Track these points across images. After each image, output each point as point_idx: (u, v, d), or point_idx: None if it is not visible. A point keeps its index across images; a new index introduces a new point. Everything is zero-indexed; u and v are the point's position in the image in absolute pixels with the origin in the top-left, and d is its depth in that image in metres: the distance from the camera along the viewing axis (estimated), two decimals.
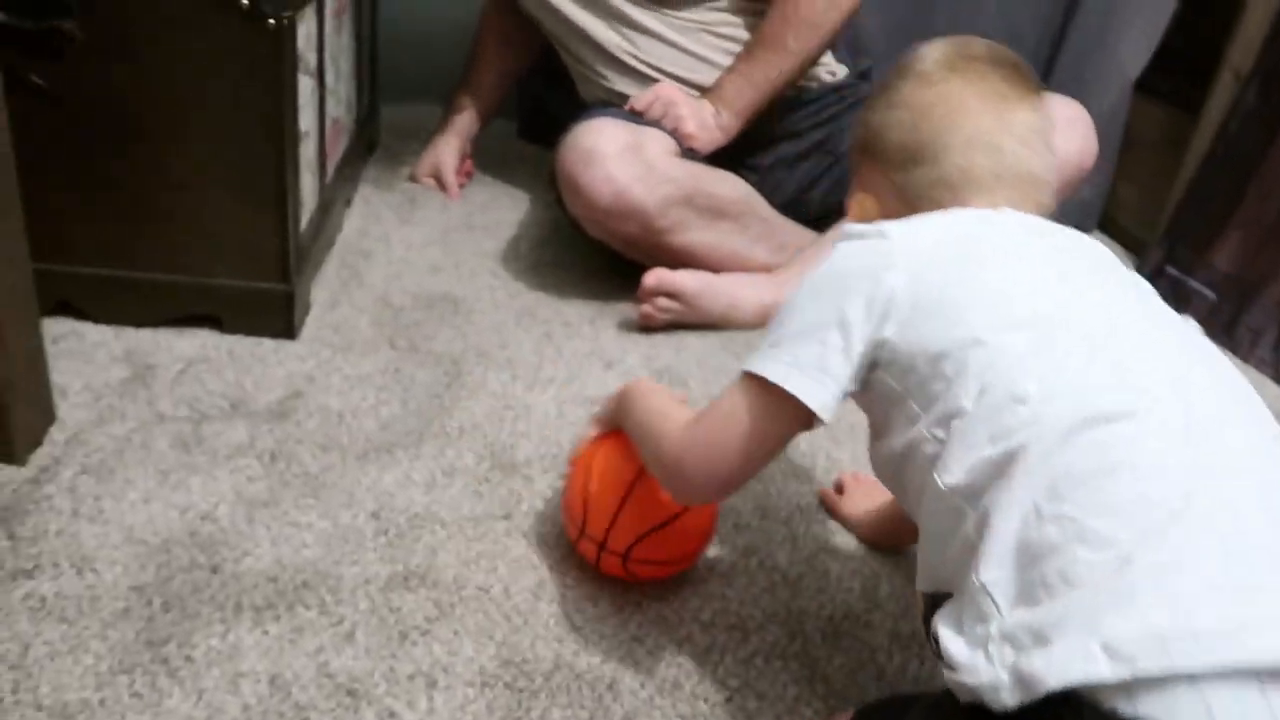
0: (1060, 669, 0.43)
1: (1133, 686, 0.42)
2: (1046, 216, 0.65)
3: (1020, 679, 0.45)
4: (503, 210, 1.52)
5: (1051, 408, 0.51)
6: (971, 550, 0.51)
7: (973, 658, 0.48)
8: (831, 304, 0.61)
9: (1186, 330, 0.59)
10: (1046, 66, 1.81)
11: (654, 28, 1.31)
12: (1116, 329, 0.56)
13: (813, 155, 1.37)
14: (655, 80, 1.31)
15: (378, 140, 1.70)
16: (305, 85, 1.10)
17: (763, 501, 0.93)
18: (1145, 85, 1.71)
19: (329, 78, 1.25)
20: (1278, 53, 1.42)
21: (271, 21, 0.97)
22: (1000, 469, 0.51)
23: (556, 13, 1.36)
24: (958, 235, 0.62)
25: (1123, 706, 0.42)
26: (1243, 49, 1.49)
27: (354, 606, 0.74)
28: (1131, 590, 0.44)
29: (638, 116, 1.24)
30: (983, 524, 0.51)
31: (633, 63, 1.32)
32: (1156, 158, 1.68)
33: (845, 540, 0.90)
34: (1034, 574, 0.47)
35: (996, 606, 0.48)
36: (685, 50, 1.32)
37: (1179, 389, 0.52)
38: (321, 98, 1.20)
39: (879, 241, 0.62)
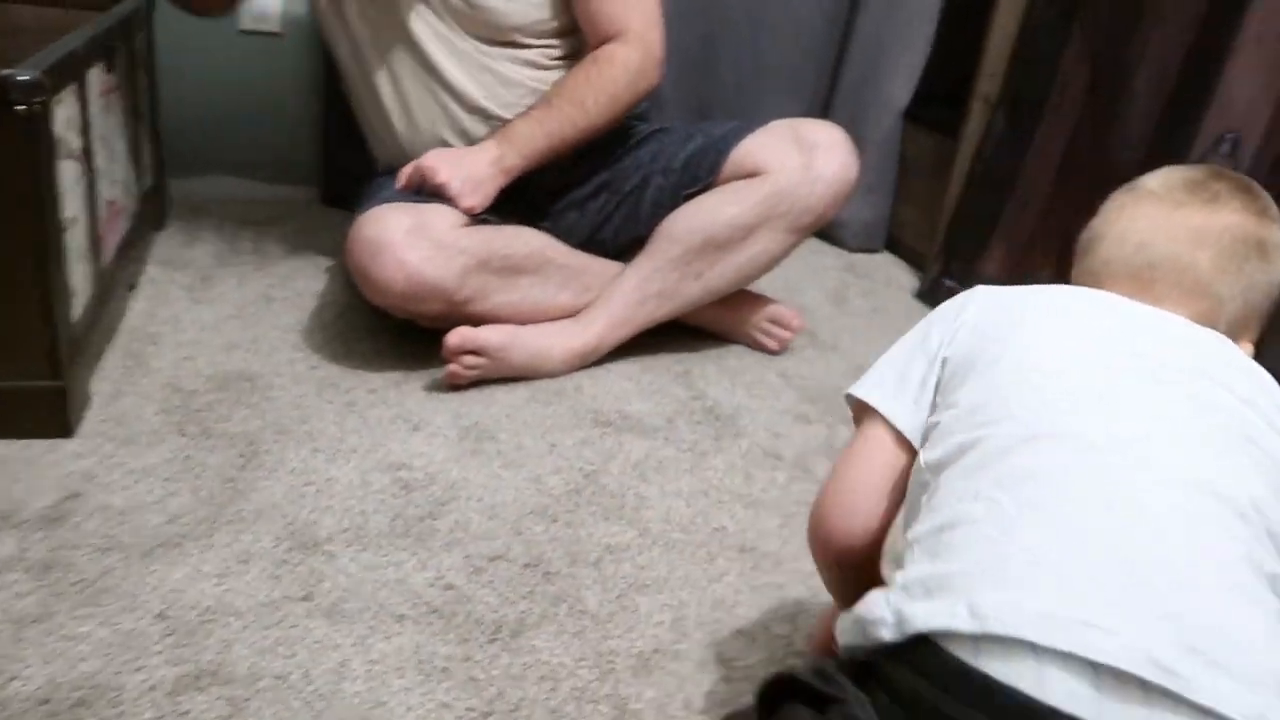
0: (927, 617, 0.51)
1: (980, 641, 0.49)
2: (1208, 315, 0.64)
3: (899, 620, 0.52)
4: (305, 280, 1.49)
5: (1021, 420, 0.57)
6: (917, 513, 0.59)
7: (876, 597, 0.55)
8: (919, 334, 0.68)
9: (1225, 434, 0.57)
10: (825, 102, 1.94)
11: (467, 51, 1.30)
12: (1115, 390, 0.58)
13: (601, 195, 1.41)
14: (455, 117, 1.32)
15: (167, 217, 1.64)
16: (69, 170, 1.05)
17: (572, 547, 0.95)
18: (913, 115, 1.85)
19: (99, 159, 1.20)
20: (1017, 81, 1.57)
21: (21, 108, 0.93)
22: (964, 450, 0.58)
23: (358, 46, 1.33)
24: (1033, 296, 0.67)
25: (968, 657, 0.49)
26: (989, 78, 1.63)
27: (138, 717, 0.70)
28: (1005, 571, 0.51)
29: (417, 196, 1.24)
30: (935, 492, 0.58)
31: (432, 100, 1.32)
32: (929, 180, 1.82)
33: (656, 574, 0.92)
34: (946, 537, 0.55)
35: (913, 558, 0.56)
36: (491, 81, 1.32)
37: (1143, 440, 0.55)
38: (91, 181, 1.15)
39: (966, 293, 0.69)
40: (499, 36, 1.29)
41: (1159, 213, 0.68)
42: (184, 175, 1.73)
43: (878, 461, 0.67)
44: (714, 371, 1.35)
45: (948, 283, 1.68)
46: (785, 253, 1.34)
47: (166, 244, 1.56)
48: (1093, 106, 1.44)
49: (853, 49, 1.87)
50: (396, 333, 1.31)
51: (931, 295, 1.70)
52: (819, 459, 1.15)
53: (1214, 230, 0.66)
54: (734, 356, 1.40)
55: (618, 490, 1.05)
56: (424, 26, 1.28)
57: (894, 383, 0.68)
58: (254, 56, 1.73)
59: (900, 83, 1.84)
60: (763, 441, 1.18)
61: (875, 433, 0.68)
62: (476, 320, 1.22)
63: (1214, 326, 0.64)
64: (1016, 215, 1.58)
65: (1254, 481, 0.54)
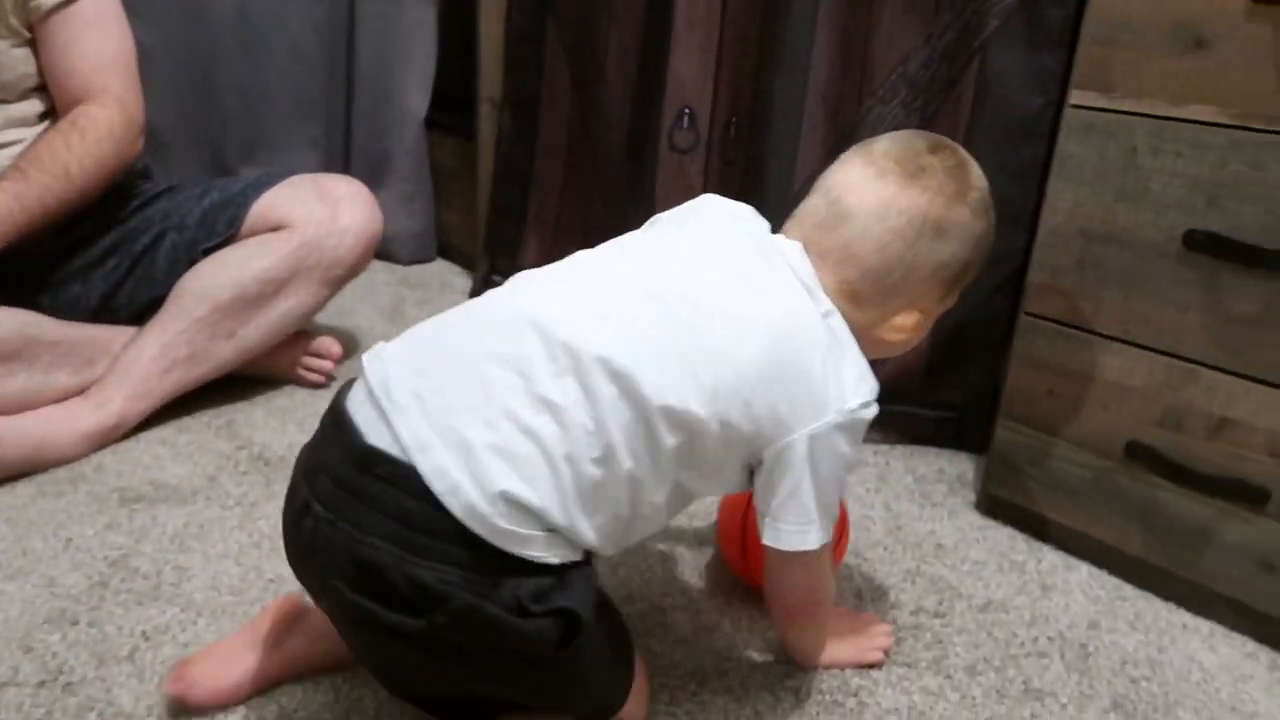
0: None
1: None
2: (859, 279, 0.73)
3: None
4: None
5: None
6: None
7: None
8: None
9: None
10: (345, 119, 1.91)
11: None
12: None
13: (108, 260, 1.27)
14: None
15: None
16: None
17: (99, 647, 0.84)
18: (434, 123, 1.88)
19: None
20: (512, 83, 1.65)
21: None
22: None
23: None
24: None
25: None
26: (489, 82, 1.70)
27: None
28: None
29: None
30: None
31: None
32: (461, 184, 1.87)
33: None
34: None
35: None
36: None
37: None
38: None
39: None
40: None
41: (864, 176, 0.73)
42: None
43: None
44: (261, 416, 1.28)
45: (496, 279, 1.74)
46: (319, 306, 1.31)
47: None
48: (578, 98, 1.56)
49: (359, 66, 1.86)
50: None
51: (483, 293, 1.75)
52: None
53: (899, 206, 0.71)
54: (284, 396, 1.34)
55: (152, 570, 0.95)
56: None
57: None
58: None
59: (415, 94, 1.86)
60: None
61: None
62: None
63: (865, 293, 0.72)
64: (540, 206, 1.67)
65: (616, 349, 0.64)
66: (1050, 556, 1.04)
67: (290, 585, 0.94)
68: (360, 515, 0.62)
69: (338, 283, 1.30)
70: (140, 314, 1.26)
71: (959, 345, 1.22)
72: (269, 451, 1.19)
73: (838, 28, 1.22)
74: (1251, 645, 0.92)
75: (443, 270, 1.92)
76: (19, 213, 1.11)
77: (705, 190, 1.40)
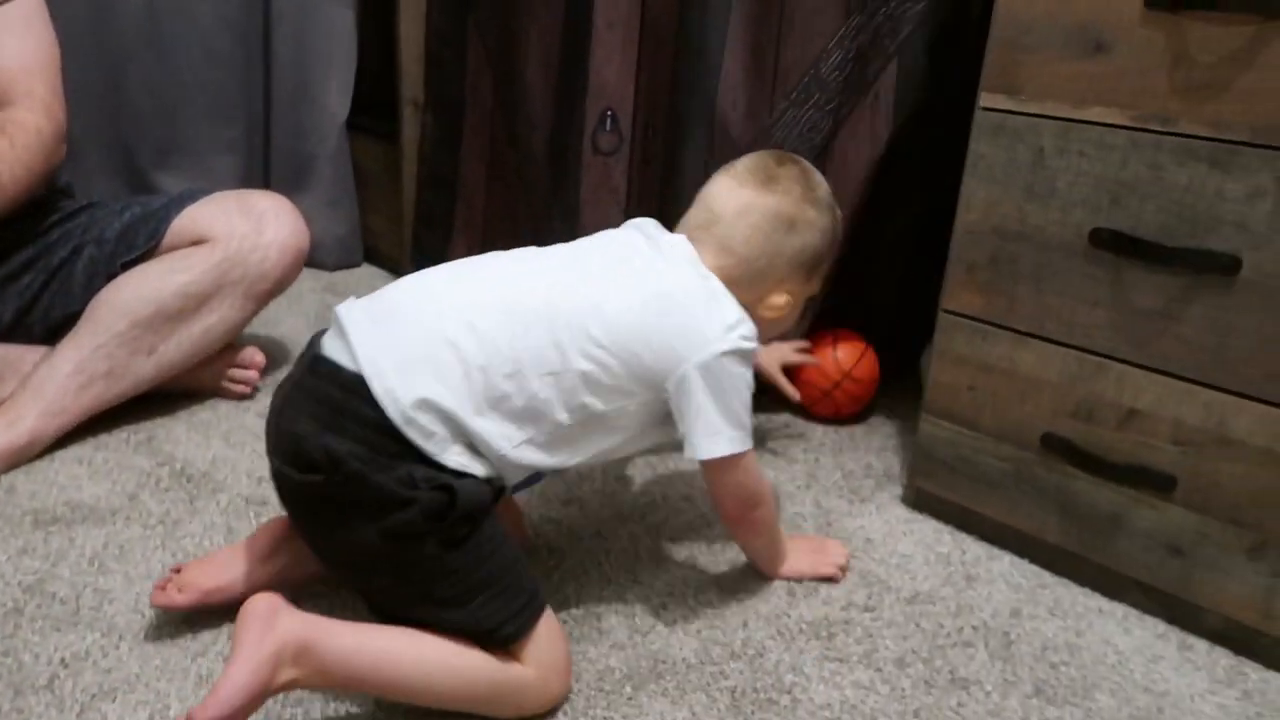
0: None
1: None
2: (735, 268, 0.88)
3: None
4: None
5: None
6: None
7: None
8: None
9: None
10: (264, 119, 1.87)
11: None
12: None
13: (24, 275, 1.23)
14: None
15: None
16: None
17: (15, 677, 0.81)
18: (356, 125, 1.85)
19: None
20: (434, 85, 1.63)
21: None
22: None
23: None
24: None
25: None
26: (410, 84, 1.68)
27: None
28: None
29: None
30: None
31: None
32: (385, 187, 1.84)
33: (127, 674, 0.83)
34: None
35: None
36: None
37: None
38: None
39: None
40: None
41: (728, 186, 0.90)
42: None
43: None
44: (183, 431, 1.25)
45: None
46: (245, 321, 1.28)
47: None
48: (500, 100, 1.55)
49: (276, 66, 1.81)
50: None
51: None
52: None
53: (757, 207, 0.88)
54: (207, 410, 1.30)
55: (70, 594, 0.92)
56: None
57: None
58: None
59: (335, 96, 1.83)
60: (245, 490, 1.12)
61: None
62: None
63: (740, 276, 0.87)
64: (465, 208, 1.66)
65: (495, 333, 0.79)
66: (974, 548, 1.07)
67: None
68: (302, 404, 0.78)
69: (263, 297, 1.28)
70: (55, 330, 1.22)
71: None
72: (191, 467, 1.16)
73: (749, 30, 1.23)
74: (1162, 626, 0.95)
75: (370, 276, 1.89)
76: None
77: (628, 193, 1.41)
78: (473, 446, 0.78)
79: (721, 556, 1.03)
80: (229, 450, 1.21)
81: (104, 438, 1.20)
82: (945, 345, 1.06)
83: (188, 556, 0.99)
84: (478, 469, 0.78)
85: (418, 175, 1.71)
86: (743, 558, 1.01)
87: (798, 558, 0.99)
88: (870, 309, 1.36)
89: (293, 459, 0.77)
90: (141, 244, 1.23)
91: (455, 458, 0.77)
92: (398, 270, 1.84)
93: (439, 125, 1.64)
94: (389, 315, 0.80)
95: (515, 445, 0.79)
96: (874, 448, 1.28)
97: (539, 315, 0.80)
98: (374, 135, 1.85)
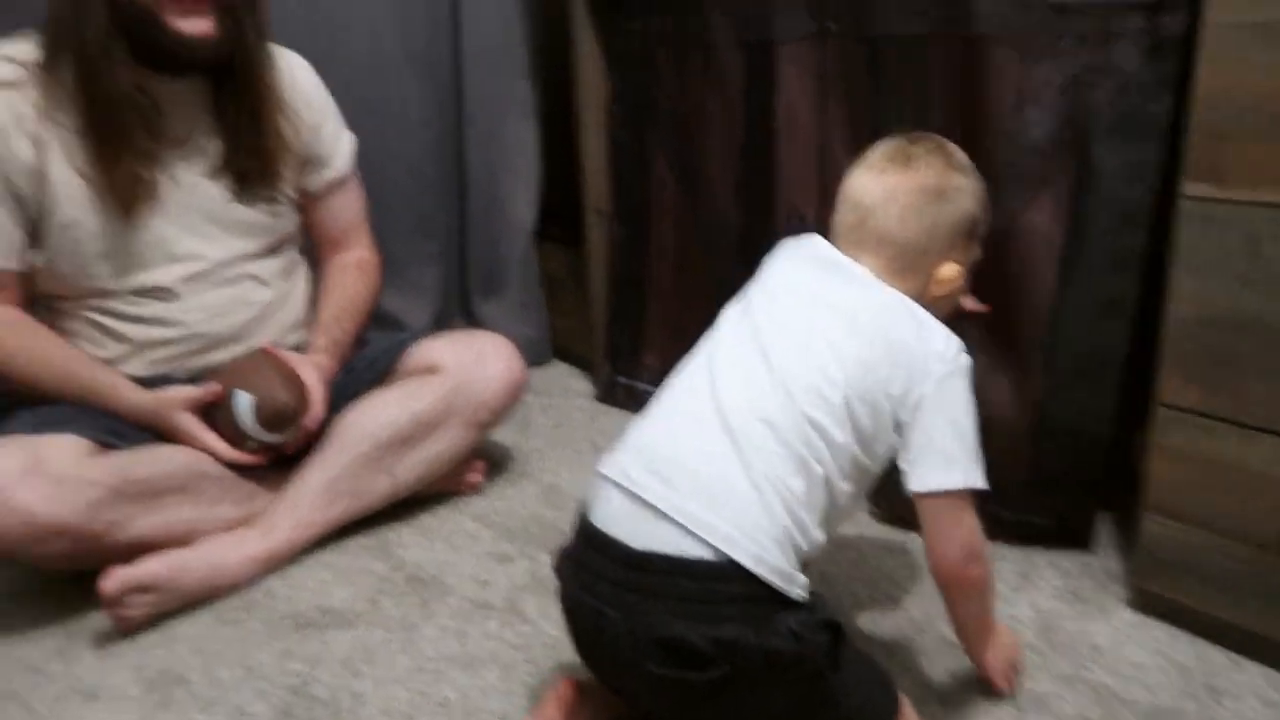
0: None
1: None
2: (896, 259, 0.89)
3: None
4: None
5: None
6: None
7: None
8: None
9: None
10: (459, 230, 2.01)
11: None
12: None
13: None
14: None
15: None
16: None
17: None
18: (542, 233, 1.98)
19: None
20: (620, 194, 1.73)
21: None
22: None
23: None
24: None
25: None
26: (595, 194, 1.78)
27: None
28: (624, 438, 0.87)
29: (43, 424, 1.15)
30: None
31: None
32: (573, 290, 1.94)
33: None
34: None
35: None
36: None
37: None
38: None
39: None
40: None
41: (869, 178, 0.90)
42: None
43: None
44: (410, 535, 1.35)
45: (621, 380, 1.80)
46: (468, 447, 1.38)
47: None
48: (685, 204, 1.62)
49: (470, 182, 1.96)
50: (43, 588, 1.18)
51: (610, 395, 1.81)
52: (527, 596, 1.18)
53: (903, 187, 0.88)
54: (427, 512, 1.41)
55: (330, 696, 1.01)
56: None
57: None
58: None
59: (523, 206, 1.96)
60: (471, 593, 1.20)
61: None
62: (117, 553, 1.13)
63: (904, 263, 0.88)
64: (658, 307, 1.73)
65: (814, 379, 0.82)
66: (1215, 656, 1.01)
67: (458, 708, 0.99)
68: (652, 606, 0.77)
69: (484, 426, 1.38)
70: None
71: (1061, 445, 1.21)
72: (422, 571, 1.25)
73: (936, 120, 1.25)
74: None
75: (561, 374, 1.99)
76: (332, 367, 1.33)
77: None
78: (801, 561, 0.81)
79: (937, 664, 1.02)
80: (452, 554, 1.30)
81: (343, 543, 1.32)
82: (1164, 440, 1.02)
83: (427, 661, 1.07)
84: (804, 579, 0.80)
85: (608, 277, 1.79)
86: (959, 664, 0.99)
87: (1001, 648, 0.95)
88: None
89: (676, 660, 0.76)
90: (381, 369, 1.37)
91: (800, 583, 0.79)
92: (586, 367, 1.94)
93: (626, 230, 1.73)
94: (681, 471, 0.80)
95: (818, 535, 0.82)
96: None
97: (791, 409, 0.81)
98: (560, 242, 1.96)
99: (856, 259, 0.89)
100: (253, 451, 1.25)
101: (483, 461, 1.47)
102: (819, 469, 0.81)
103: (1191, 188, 0.97)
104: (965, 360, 0.86)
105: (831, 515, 0.84)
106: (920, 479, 0.83)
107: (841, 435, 0.81)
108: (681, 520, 0.77)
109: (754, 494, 0.78)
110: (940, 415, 0.82)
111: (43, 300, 1.27)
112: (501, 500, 1.44)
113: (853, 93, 1.33)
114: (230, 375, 1.24)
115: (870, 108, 1.31)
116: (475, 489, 1.45)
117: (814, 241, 0.93)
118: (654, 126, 1.64)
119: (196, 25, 1.15)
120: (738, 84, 1.47)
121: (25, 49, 1.17)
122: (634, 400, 1.76)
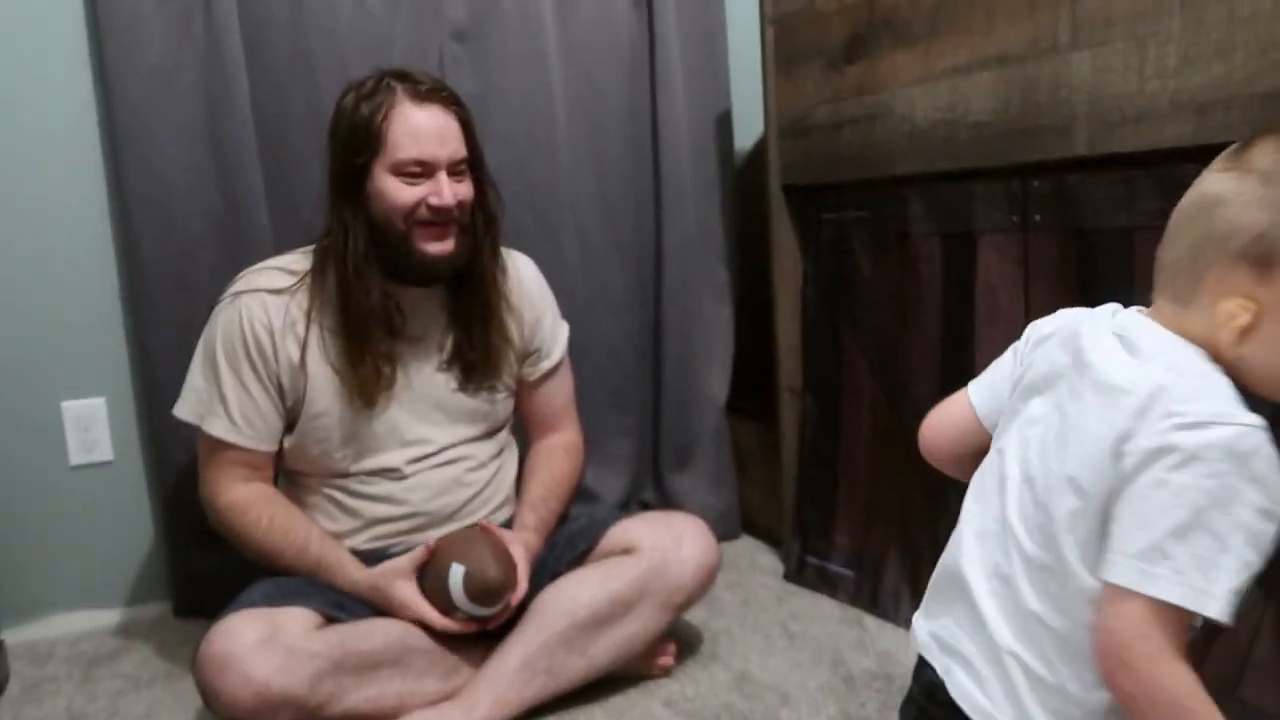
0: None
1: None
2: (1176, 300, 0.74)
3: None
4: (165, 714, 1.42)
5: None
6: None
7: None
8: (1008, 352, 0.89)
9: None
10: (654, 407, 2.06)
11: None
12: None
13: None
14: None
15: (7, 679, 1.55)
16: None
17: None
18: (734, 407, 2.01)
19: None
20: (812, 374, 1.75)
21: None
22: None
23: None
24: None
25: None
26: (787, 372, 1.81)
27: None
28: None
29: (278, 596, 1.25)
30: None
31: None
32: (763, 465, 1.95)
33: None
34: None
35: None
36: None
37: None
38: None
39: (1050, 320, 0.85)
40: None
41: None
42: (19, 623, 1.66)
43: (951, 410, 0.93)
44: (601, 715, 1.35)
45: (811, 560, 1.76)
46: (661, 629, 1.40)
47: (9, 709, 1.46)
48: (879, 385, 1.62)
49: (666, 361, 2.02)
50: None
51: (799, 575, 1.77)
52: None
53: (1194, 194, 0.73)
54: (618, 694, 1.40)
55: None
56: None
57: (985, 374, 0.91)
58: (86, 487, 1.72)
59: (716, 382, 2.01)
60: None
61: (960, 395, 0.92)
62: None
63: (1176, 292, 0.73)
64: (849, 485, 1.71)
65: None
66: None
67: None
68: None
69: (678, 609, 1.39)
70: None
71: None
72: None
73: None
74: None
75: (750, 549, 1.98)
76: (538, 545, 1.38)
77: None
78: None
79: None
80: None
81: None
82: None
83: None
84: None
85: (798, 454, 1.80)
86: None
87: None
88: None
89: None
90: (581, 547, 1.41)
91: None
92: (775, 542, 1.91)
93: (819, 409, 1.74)
94: (946, 630, 0.82)
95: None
96: None
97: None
98: (752, 417, 1.99)
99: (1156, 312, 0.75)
100: (460, 622, 1.29)
101: (674, 643, 1.46)
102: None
103: None
104: (1221, 433, 0.65)
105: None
106: (1112, 567, 0.72)
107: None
108: (940, 659, 0.83)
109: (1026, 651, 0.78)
110: (1148, 505, 0.68)
111: (287, 475, 1.41)
112: (692, 685, 1.42)
113: (1057, 280, 1.31)
114: (446, 547, 1.29)
115: (1075, 294, 1.29)
116: (666, 671, 1.44)
117: (1122, 317, 0.81)
118: (847, 309, 1.66)
119: (441, 247, 1.30)
120: (936, 270, 1.49)
121: (300, 260, 1.36)
122: (824, 581, 1.72)
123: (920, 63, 1.44)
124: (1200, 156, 1.12)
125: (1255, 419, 0.66)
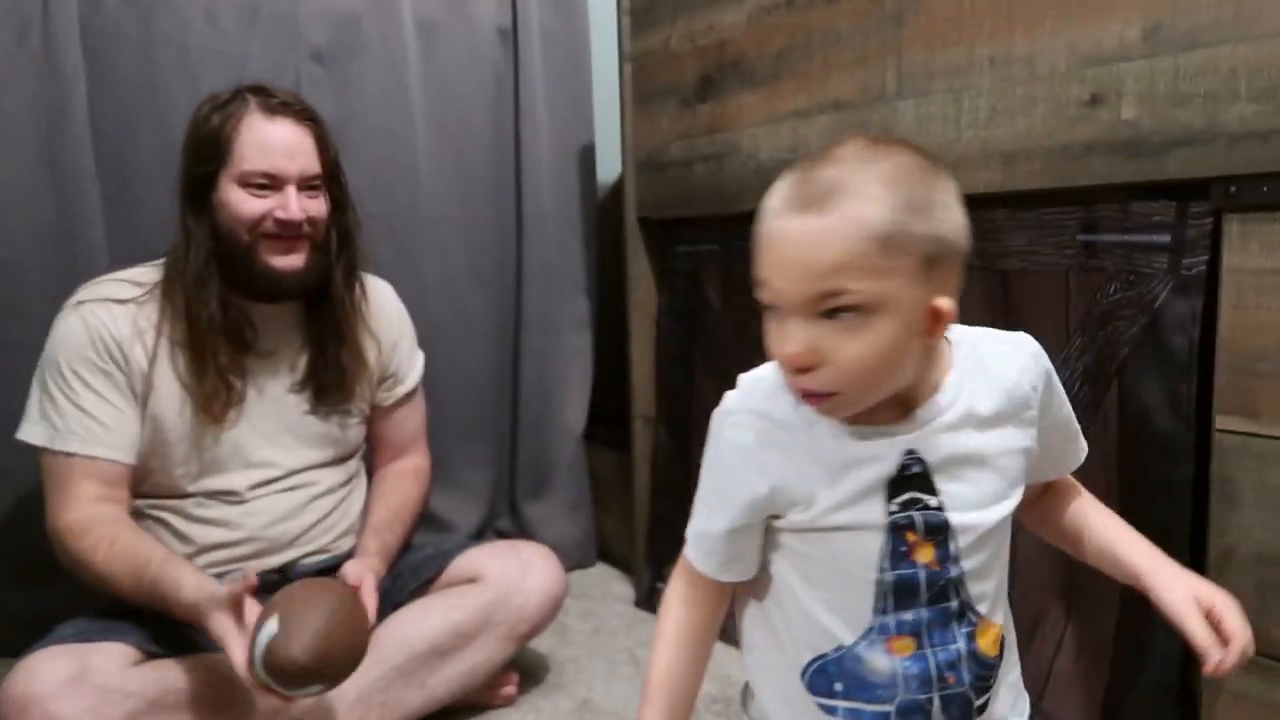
0: None
1: None
2: None
3: None
4: None
5: None
6: None
7: None
8: None
9: None
10: (511, 435, 2.05)
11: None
12: None
13: None
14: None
15: None
16: None
17: None
18: (592, 435, 2.03)
19: None
20: (666, 401, 1.78)
21: None
22: None
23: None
24: None
25: None
26: (641, 400, 1.84)
27: None
28: None
29: (92, 631, 1.18)
30: None
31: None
32: (619, 492, 1.97)
33: None
34: None
35: None
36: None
37: None
38: None
39: None
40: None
41: None
42: None
43: None
44: None
45: (661, 587, 1.78)
46: (504, 660, 1.38)
47: None
48: None
49: (525, 391, 2.02)
50: None
51: (649, 602, 1.79)
52: None
53: None
54: None
55: None
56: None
57: None
58: None
59: (574, 411, 2.02)
60: None
61: None
62: None
63: None
64: None
65: None
66: None
67: None
68: None
69: (521, 639, 1.38)
70: None
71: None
72: None
73: None
74: None
75: (604, 576, 1.99)
76: (382, 570, 1.32)
77: None
78: None
79: None
80: None
81: None
82: (1216, 682, 0.99)
83: None
84: None
85: (651, 482, 1.82)
86: None
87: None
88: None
89: None
90: (426, 575, 1.39)
91: None
92: (629, 569, 1.93)
93: (671, 438, 1.77)
94: None
95: None
96: None
97: None
98: (609, 446, 2.01)
99: None
100: (259, 687, 1.06)
101: (516, 673, 1.45)
102: None
103: (1223, 421, 0.98)
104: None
105: None
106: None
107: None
108: None
109: None
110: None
111: None
112: (534, 714, 1.41)
113: None
114: (285, 598, 1.09)
115: None
116: (509, 701, 1.43)
117: None
118: (699, 340, 1.71)
119: (287, 262, 1.28)
120: None
121: (147, 273, 1.31)
122: None
123: (765, 104, 1.51)
124: (1008, 202, 1.23)
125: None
